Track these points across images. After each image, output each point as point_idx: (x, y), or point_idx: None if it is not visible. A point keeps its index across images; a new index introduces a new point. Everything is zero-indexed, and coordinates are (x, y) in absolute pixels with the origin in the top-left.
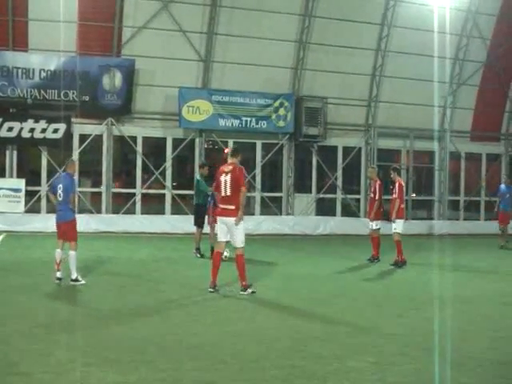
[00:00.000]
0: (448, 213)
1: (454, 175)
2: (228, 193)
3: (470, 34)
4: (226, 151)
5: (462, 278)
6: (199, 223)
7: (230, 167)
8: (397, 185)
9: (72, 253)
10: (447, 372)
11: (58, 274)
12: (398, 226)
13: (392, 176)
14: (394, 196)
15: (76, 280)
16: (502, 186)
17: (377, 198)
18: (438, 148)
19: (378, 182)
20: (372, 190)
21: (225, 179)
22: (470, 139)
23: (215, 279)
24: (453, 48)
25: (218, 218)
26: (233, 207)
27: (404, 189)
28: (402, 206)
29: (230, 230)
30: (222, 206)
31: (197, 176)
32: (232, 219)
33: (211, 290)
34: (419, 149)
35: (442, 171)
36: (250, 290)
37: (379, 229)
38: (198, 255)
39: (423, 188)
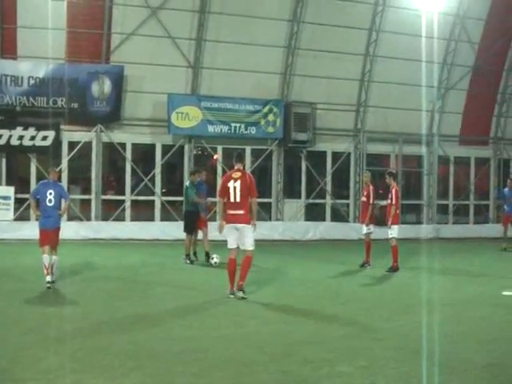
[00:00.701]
0: (437, 217)
1: (443, 179)
2: (238, 199)
3: (459, 38)
4: (215, 157)
5: (451, 281)
6: (189, 230)
7: (239, 173)
8: (393, 190)
9: (56, 258)
10: (437, 375)
11: (49, 278)
12: (393, 232)
13: (387, 180)
14: (389, 202)
15: (52, 282)
16: (506, 190)
17: (371, 202)
18: (427, 152)
19: (371, 186)
20: (365, 194)
21: (234, 185)
22: (459, 143)
23: (233, 285)
24: (441, 52)
25: (228, 225)
26: (242, 212)
27: (399, 194)
28: (398, 211)
29: (241, 235)
30: (231, 211)
31: (186, 183)
32: (242, 224)
33: (231, 295)
34: (408, 153)
35: (430, 175)
36: (241, 294)
37: (371, 233)
38: (188, 261)
39: (412, 192)
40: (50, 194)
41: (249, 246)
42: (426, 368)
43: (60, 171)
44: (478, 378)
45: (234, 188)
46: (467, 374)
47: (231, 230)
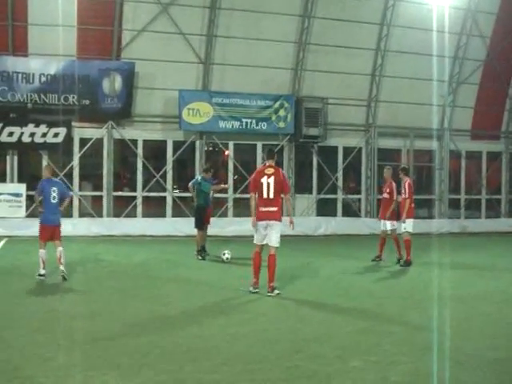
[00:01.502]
0: (448, 211)
1: (455, 174)
2: (271, 195)
3: (470, 32)
4: (226, 153)
5: (461, 276)
6: (200, 225)
7: (272, 170)
8: (406, 185)
9: (61, 249)
10: (447, 370)
11: (43, 271)
12: (407, 226)
13: (400, 176)
14: (403, 196)
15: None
16: None
17: (394, 198)
18: (438, 147)
19: (393, 183)
20: (388, 190)
21: (267, 181)
22: (471, 138)
23: (258, 279)
24: (452, 47)
25: (260, 222)
26: (275, 209)
27: (412, 188)
28: (412, 205)
29: (269, 231)
30: (263, 208)
31: (198, 177)
32: (274, 221)
33: (255, 290)
34: (419, 148)
35: (442, 170)
36: (276, 292)
37: (395, 229)
38: (200, 257)
39: (424, 187)
40: (54, 191)
41: (275, 242)
42: (436, 363)
43: (71, 168)
44: (488, 373)
45: (268, 184)
46: (477, 369)
47: (262, 226)
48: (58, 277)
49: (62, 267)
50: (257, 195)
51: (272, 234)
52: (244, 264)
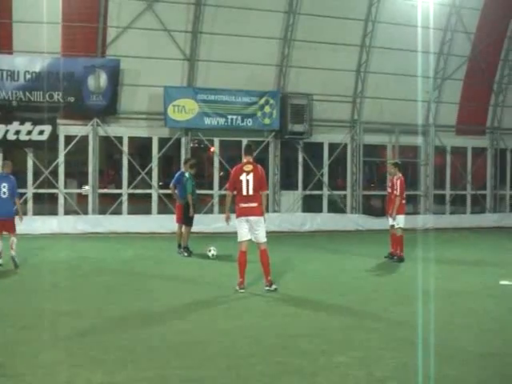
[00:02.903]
0: (434, 207)
1: (440, 169)
2: (250, 192)
3: (454, 28)
4: (211, 150)
5: (447, 271)
6: (188, 221)
7: (251, 166)
8: (398, 181)
9: (14, 239)
10: (433, 365)
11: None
12: (400, 222)
13: (392, 170)
14: (394, 192)
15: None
16: None
17: (398, 193)
18: (424, 142)
19: (396, 177)
20: (390, 185)
21: (246, 178)
22: (456, 133)
23: (243, 278)
24: (437, 43)
25: (241, 218)
26: (255, 205)
27: (405, 185)
28: (403, 201)
29: (253, 227)
30: (243, 204)
31: (186, 174)
32: (255, 217)
33: (241, 290)
34: (405, 143)
35: (427, 166)
36: (274, 286)
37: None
38: (186, 254)
39: (409, 183)
40: (4, 186)
41: (262, 238)
42: (422, 358)
43: (57, 165)
44: (476, 367)
45: (247, 181)
46: (464, 363)
47: (243, 222)
48: (43, 274)
49: (12, 252)
50: (235, 192)
51: (258, 231)
52: (230, 260)
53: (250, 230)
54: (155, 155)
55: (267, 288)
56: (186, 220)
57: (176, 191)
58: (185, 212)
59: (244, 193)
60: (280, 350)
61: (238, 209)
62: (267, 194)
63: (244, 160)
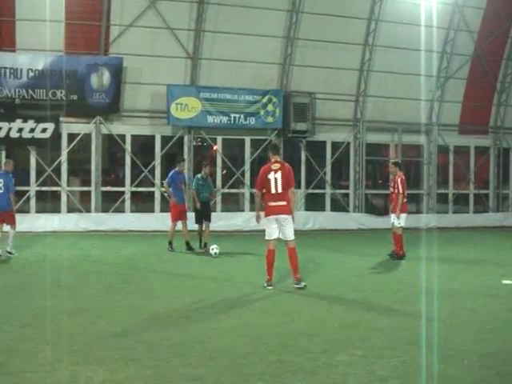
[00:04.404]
0: (436, 206)
1: (443, 168)
2: (279, 190)
3: (458, 27)
4: (214, 148)
5: (449, 270)
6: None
7: (278, 165)
8: (399, 180)
9: (12, 231)
10: (435, 364)
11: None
12: (401, 221)
13: (392, 170)
14: (393, 190)
15: (10, 252)
16: None
17: (400, 191)
18: (427, 141)
19: (397, 176)
20: (392, 184)
21: (275, 177)
22: (459, 132)
23: (271, 276)
24: (440, 42)
25: (270, 217)
26: (285, 203)
27: (405, 183)
28: (405, 200)
29: (282, 226)
30: (272, 203)
31: (198, 176)
32: (285, 215)
33: (269, 287)
34: (407, 143)
35: (430, 165)
36: (302, 283)
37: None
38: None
39: (412, 182)
40: (0, 182)
41: (291, 236)
42: (423, 357)
43: (59, 163)
44: (476, 367)
45: (275, 179)
46: (465, 362)
47: (272, 221)
48: (45, 272)
49: (7, 248)
50: (264, 191)
51: (286, 230)
52: (232, 259)
53: (279, 228)
54: (158, 153)
55: (296, 286)
56: (207, 217)
57: (170, 189)
58: (206, 210)
59: (273, 191)
60: (281, 348)
61: (267, 208)
62: (294, 191)
63: (271, 159)
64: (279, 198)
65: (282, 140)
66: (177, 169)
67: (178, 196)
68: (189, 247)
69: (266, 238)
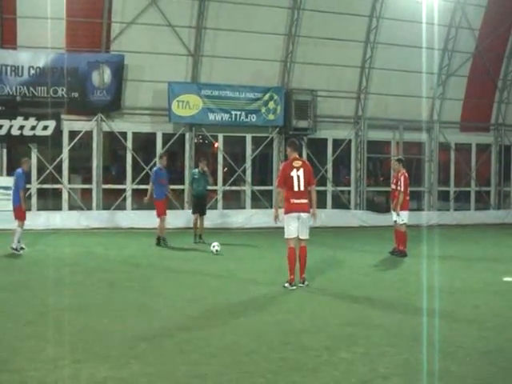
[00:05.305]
0: (438, 203)
1: (444, 166)
2: (302, 187)
3: (459, 24)
4: (215, 145)
5: (450, 268)
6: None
7: (300, 162)
8: (402, 177)
9: (18, 229)
10: (437, 362)
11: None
12: (403, 218)
13: (396, 167)
14: (396, 187)
15: (16, 249)
16: None
17: (402, 189)
18: (428, 139)
19: (400, 173)
20: (394, 181)
21: (297, 174)
22: (460, 130)
23: (294, 275)
24: (441, 39)
25: (292, 214)
26: (306, 201)
27: (408, 181)
28: (407, 197)
29: (302, 223)
30: (295, 200)
31: (195, 171)
32: (307, 213)
33: (293, 287)
34: (409, 140)
35: (431, 162)
36: (306, 283)
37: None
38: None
39: (413, 179)
40: (14, 179)
41: (306, 235)
42: (425, 355)
43: (61, 161)
44: (478, 364)
45: (298, 177)
46: (467, 359)
47: (294, 218)
48: (47, 270)
49: (13, 245)
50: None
51: (304, 228)
52: (233, 256)
53: (299, 225)
54: (159, 151)
55: (301, 284)
56: (202, 211)
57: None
58: (201, 203)
59: (296, 189)
60: (283, 346)
61: (289, 205)
62: (314, 189)
63: (291, 156)
64: (301, 196)
65: (284, 137)
66: (159, 165)
67: (161, 191)
68: (158, 243)
69: (286, 236)
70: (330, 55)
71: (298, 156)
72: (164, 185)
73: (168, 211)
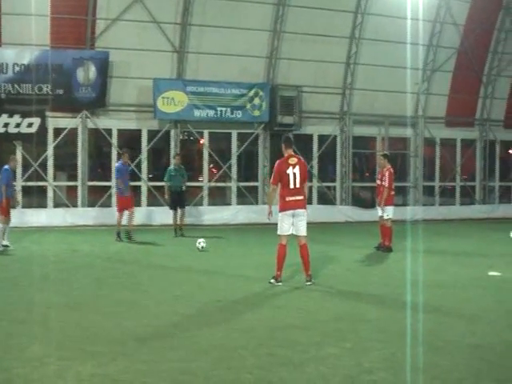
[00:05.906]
0: (423, 198)
1: (429, 161)
2: (297, 185)
3: (444, 20)
4: (201, 142)
5: (436, 262)
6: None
7: (295, 159)
8: (387, 172)
9: (0, 225)
10: (424, 356)
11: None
12: (389, 213)
13: (382, 162)
14: (383, 183)
15: (6, 246)
16: None
17: (387, 185)
18: (413, 134)
19: (386, 169)
20: (379, 177)
21: (293, 171)
22: (445, 125)
23: (281, 272)
24: (426, 34)
25: (287, 212)
26: (302, 198)
27: (393, 176)
28: (392, 193)
29: (297, 221)
30: (290, 198)
31: (171, 167)
32: (302, 210)
33: (279, 283)
34: (394, 135)
35: (416, 157)
36: (313, 280)
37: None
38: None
39: (398, 174)
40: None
41: (305, 232)
42: (412, 349)
43: (46, 158)
44: (465, 358)
45: (294, 174)
46: (454, 354)
47: (289, 216)
48: (33, 267)
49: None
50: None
51: (301, 225)
52: (219, 252)
53: (293, 223)
54: (144, 147)
55: (308, 283)
56: (181, 205)
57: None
58: (180, 198)
59: (291, 186)
60: (270, 341)
61: (284, 202)
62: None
63: (285, 153)
64: (297, 193)
65: (269, 133)
66: (121, 161)
67: (125, 187)
68: (118, 237)
69: (279, 233)
70: (315, 51)
71: (292, 153)
72: (127, 180)
73: (153, 208)
